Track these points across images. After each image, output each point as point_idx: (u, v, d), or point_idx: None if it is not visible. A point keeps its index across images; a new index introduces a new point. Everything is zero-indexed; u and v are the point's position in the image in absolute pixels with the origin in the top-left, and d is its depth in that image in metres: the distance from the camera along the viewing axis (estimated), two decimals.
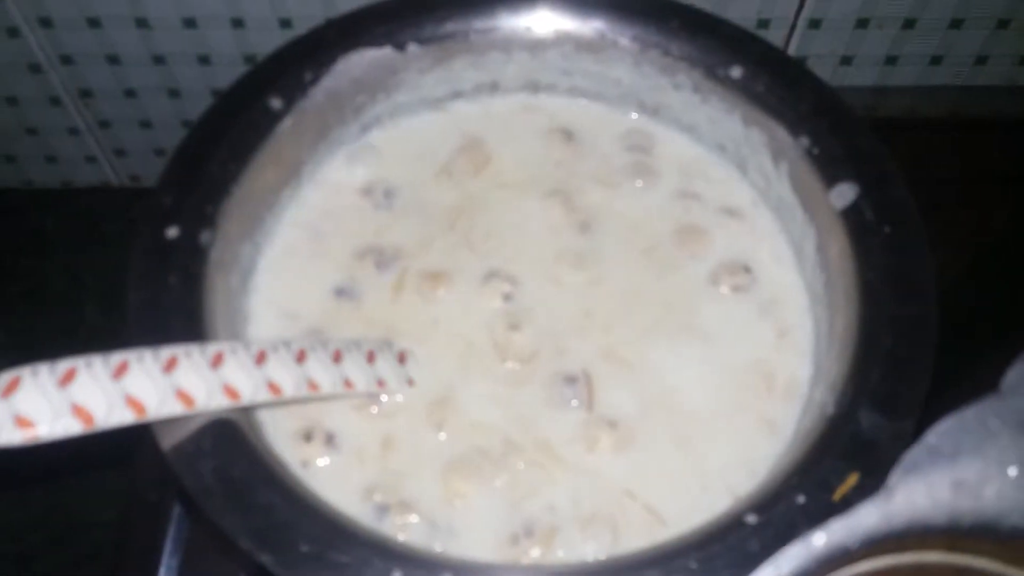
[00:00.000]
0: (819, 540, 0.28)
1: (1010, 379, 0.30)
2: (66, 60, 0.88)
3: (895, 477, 0.29)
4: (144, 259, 0.51)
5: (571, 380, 0.54)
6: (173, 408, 0.44)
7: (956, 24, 0.86)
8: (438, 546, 0.49)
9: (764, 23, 0.85)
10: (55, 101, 0.93)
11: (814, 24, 0.86)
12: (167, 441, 0.45)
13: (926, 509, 0.28)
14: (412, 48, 0.62)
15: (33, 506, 0.89)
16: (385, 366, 0.53)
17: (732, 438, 0.52)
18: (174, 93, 0.92)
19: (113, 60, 0.88)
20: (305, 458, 0.51)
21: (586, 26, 0.62)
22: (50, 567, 0.89)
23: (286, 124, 0.58)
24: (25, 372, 0.41)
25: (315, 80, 0.59)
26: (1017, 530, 0.28)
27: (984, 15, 0.85)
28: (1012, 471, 0.28)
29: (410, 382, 0.54)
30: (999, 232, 0.89)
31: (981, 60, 0.90)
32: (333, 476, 0.51)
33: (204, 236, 0.52)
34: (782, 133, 0.58)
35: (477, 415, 0.53)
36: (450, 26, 0.62)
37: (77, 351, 0.42)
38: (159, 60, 0.88)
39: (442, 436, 0.53)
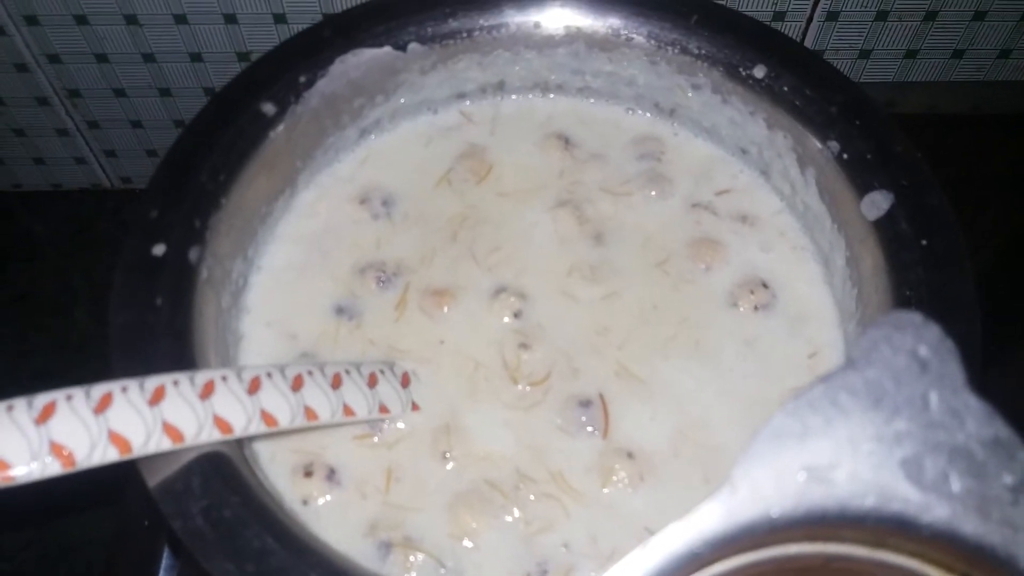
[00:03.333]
0: (657, 548, 0.25)
1: (861, 348, 0.27)
2: (53, 59, 0.85)
3: (739, 468, 0.26)
4: (129, 279, 0.48)
5: (586, 404, 0.51)
6: (160, 444, 0.40)
7: (979, 16, 0.83)
8: None
9: (780, 16, 0.82)
10: (42, 101, 0.90)
11: (831, 16, 0.82)
12: (153, 478, 0.42)
13: (775, 500, 0.25)
14: (413, 47, 0.59)
15: (25, 526, 0.87)
16: (388, 390, 0.50)
17: None
18: (165, 92, 0.89)
19: (102, 58, 0.85)
20: (305, 495, 0.48)
21: (599, 22, 0.59)
22: None
23: (279, 131, 0.55)
24: (0, 408, 0.38)
25: (310, 83, 0.56)
26: (874, 513, 0.26)
27: (1008, 6, 0.82)
28: (865, 449, 0.26)
29: (414, 407, 0.51)
30: (1021, 230, 0.87)
31: (1004, 54, 0.87)
32: (334, 513, 0.48)
33: (193, 253, 0.49)
34: (809, 137, 0.55)
35: (486, 443, 0.50)
36: (453, 24, 0.59)
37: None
38: (149, 58, 0.85)
39: (449, 466, 0.49)
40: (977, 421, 0.26)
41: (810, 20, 0.83)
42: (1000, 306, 0.78)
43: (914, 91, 0.90)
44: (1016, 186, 0.88)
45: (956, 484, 0.26)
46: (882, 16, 0.83)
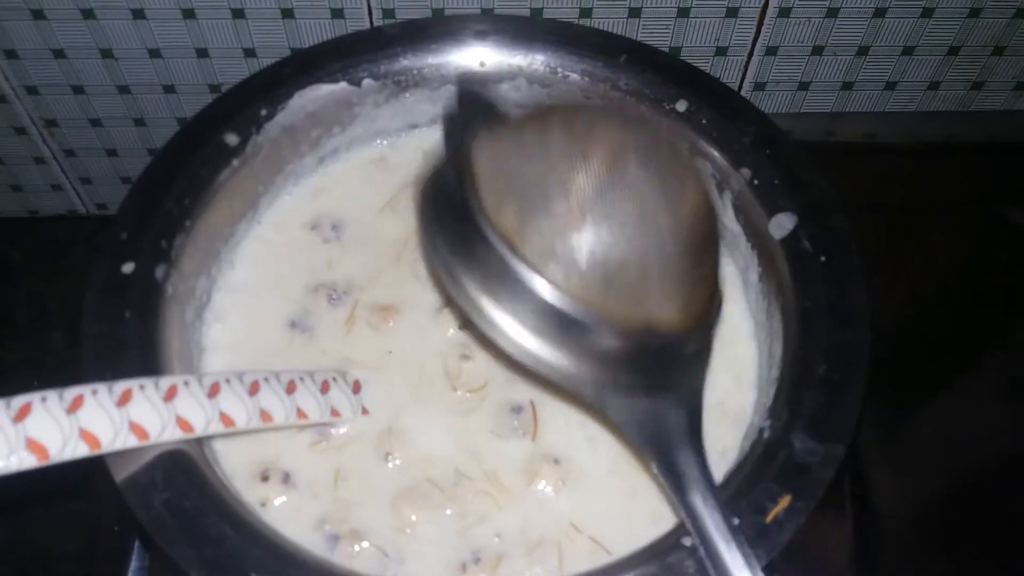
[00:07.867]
0: None
1: None
2: (31, 90, 0.88)
3: None
4: (100, 294, 0.52)
5: (518, 409, 0.55)
6: (127, 441, 0.44)
7: (908, 51, 0.88)
8: (389, 573, 0.50)
9: (722, 50, 0.87)
10: (20, 131, 0.93)
11: (771, 51, 0.87)
12: (120, 473, 0.46)
13: None
14: (367, 83, 0.63)
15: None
16: (339, 395, 0.54)
17: None
18: (140, 122, 0.92)
19: (78, 90, 0.88)
20: (263, 498, 0.52)
21: (538, 61, 0.63)
22: None
23: (241, 159, 0.59)
24: None
25: (270, 115, 0.60)
26: None
27: (934, 42, 0.87)
28: None
29: (364, 411, 0.55)
30: (956, 256, 0.90)
31: (934, 86, 0.92)
32: (288, 511, 0.52)
33: (159, 271, 0.53)
34: (725, 164, 0.59)
35: (428, 445, 0.54)
36: (404, 62, 0.63)
37: (44, 380, 0.43)
38: (124, 90, 0.88)
39: (393, 464, 0.54)
40: None
41: (751, 55, 0.87)
42: (942, 335, 0.81)
43: (852, 121, 0.94)
44: (953, 213, 0.91)
45: None
46: (818, 50, 0.87)
